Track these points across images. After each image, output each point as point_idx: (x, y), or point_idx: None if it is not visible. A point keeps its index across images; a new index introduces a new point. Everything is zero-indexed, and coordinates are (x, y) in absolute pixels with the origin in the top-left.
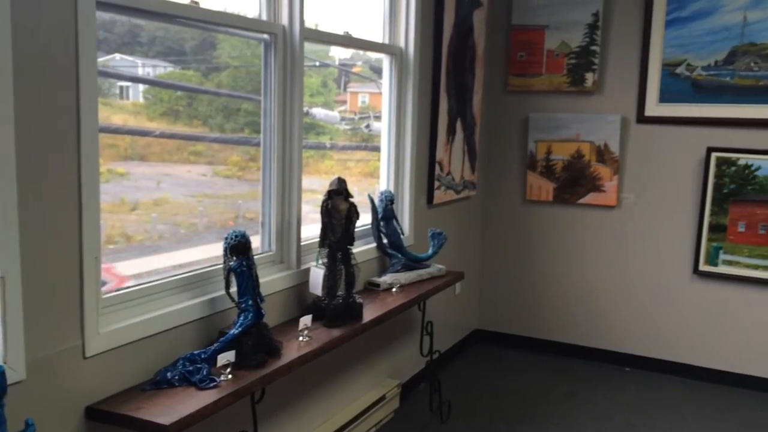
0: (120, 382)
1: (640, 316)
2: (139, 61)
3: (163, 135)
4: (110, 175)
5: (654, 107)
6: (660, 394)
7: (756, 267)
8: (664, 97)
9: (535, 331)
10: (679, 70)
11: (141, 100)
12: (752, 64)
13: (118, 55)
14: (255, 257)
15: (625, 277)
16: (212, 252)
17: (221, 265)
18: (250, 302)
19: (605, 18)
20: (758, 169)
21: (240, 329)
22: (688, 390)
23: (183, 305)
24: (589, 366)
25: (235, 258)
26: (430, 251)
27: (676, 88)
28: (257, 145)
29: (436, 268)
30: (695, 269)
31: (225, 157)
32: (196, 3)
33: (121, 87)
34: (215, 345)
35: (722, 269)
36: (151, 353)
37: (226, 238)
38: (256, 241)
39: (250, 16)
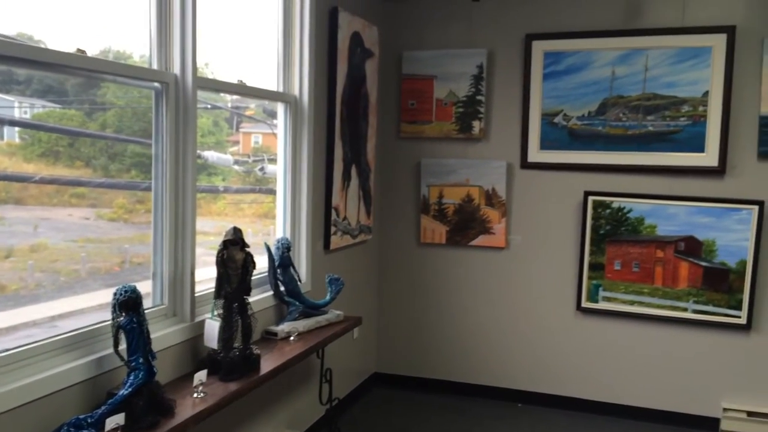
0: None
1: (529, 352)
2: (16, 101)
3: (43, 181)
4: None
5: (536, 153)
6: (550, 428)
7: (632, 302)
8: (545, 144)
9: (431, 372)
10: (557, 120)
11: (17, 140)
12: (621, 115)
13: None
14: (146, 311)
15: (514, 315)
16: (96, 300)
17: (109, 322)
18: (141, 360)
19: (489, 70)
20: (630, 211)
21: (130, 389)
22: (575, 423)
23: (67, 366)
24: (485, 404)
25: (124, 314)
26: (327, 297)
27: (555, 136)
28: (147, 189)
29: (334, 314)
30: (578, 306)
31: (110, 199)
32: (83, 52)
33: None
34: (103, 408)
35: (602, 305)
36: (32, 421)
37: (115, 294)
38: (146, 288)
39: (140, 56)
